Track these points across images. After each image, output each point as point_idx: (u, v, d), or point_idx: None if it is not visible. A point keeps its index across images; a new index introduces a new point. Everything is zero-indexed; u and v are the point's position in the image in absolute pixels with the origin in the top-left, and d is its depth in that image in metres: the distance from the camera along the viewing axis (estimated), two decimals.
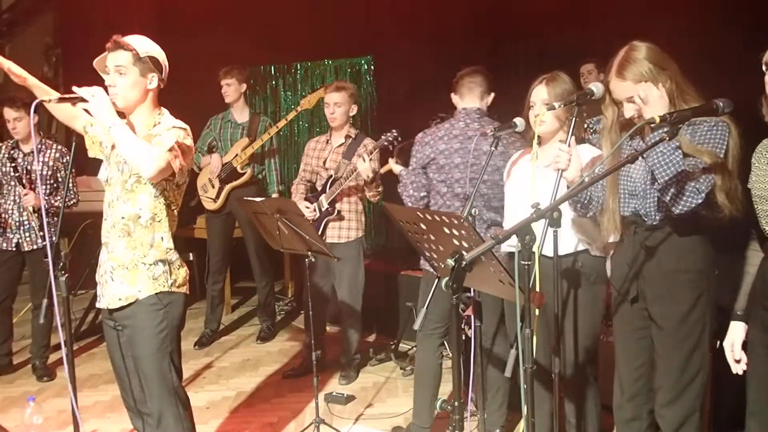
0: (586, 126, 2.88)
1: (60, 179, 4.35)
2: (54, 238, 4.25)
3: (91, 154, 2.79)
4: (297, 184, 4.37)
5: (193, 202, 5.60)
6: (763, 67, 2.09)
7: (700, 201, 2.20)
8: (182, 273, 2.66)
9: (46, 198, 4.27)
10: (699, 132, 2.27)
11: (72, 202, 4.39)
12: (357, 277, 4.26)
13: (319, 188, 4.24)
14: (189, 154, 2.60)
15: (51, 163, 4.32)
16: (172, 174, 2.54)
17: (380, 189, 4.07)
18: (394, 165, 3.78)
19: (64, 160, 4.37)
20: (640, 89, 2.26)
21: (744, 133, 2.30)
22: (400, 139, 3.86)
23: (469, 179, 3.18)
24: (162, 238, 2.60)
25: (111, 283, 2.60)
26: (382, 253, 6.12)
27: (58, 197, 4.32)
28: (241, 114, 5.06)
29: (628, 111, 2.33)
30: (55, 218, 4.33)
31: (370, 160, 3.87)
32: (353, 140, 4.20)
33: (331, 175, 4.16)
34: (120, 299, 2.58)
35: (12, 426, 3.69)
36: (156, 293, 2.57)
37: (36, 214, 4.28)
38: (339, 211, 4.15)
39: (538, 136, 2.82)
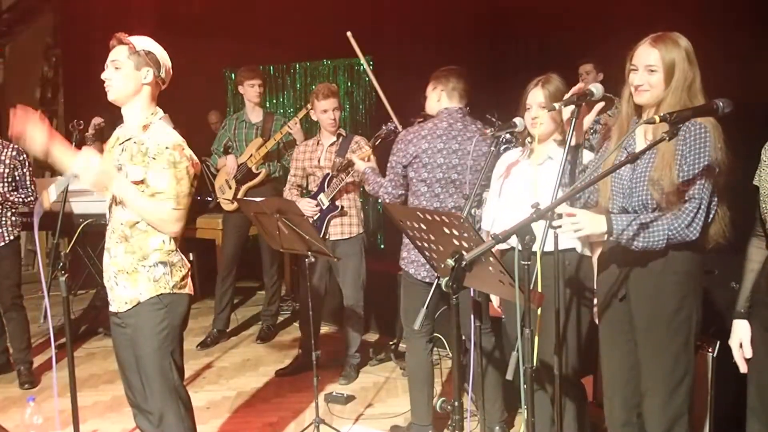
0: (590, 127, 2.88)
1: (17, 177, 4.34)
2: (11, 237, 4.29)
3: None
4: (289, 190, 4.37)
5: (212, 204, 5.63)
6: None
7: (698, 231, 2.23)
8: (183, 273, 2.65)
9: (2, 193, 4.23)
10: (687, 148, 2.24)
11: (29, 200, 4.38)
12: (360, 273, 4.28)
13: (316, 188, 4.25)
14: (193, 167, 2.60)
15: (8, 162, 4.30)
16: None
17: None
18: (357, 161, 3.64)
19: (21, 158, 4.36)
20: (664, 60, 2.25)
21: (747, 133, 2.30)
22: (401, 129, 3.85)
23: (469, 181, 3.18)
24: (164, 240, 2.59)
25: (116, 287, 2.62)
26: (380, 253, 6.12)
27: (15, 193, 4.30)
28: (255, 114, 5.07)
29: (638, 79, 2.30)
30: (13, 211, 4.31)
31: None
32: (344, 138, 4.23)
33: (328, 173, 4.17)
34: (126, 302, 2.60)
35: (12, 426, 3.69)
36: (158, 295, 2.58)
37: None
38: (342, 207, 4.15)
39: (530, 136, 2.83)
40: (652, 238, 2.23)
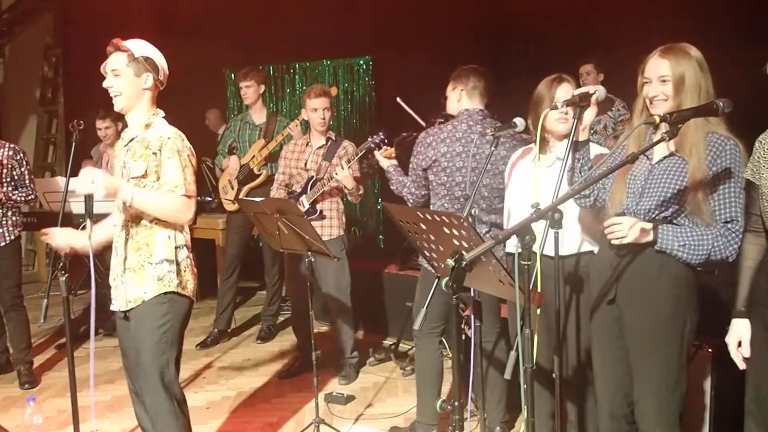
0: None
1: (16, 176, 4.34)
2: (11, 237, 4.30)
3: None
4: (276, 190, 4.36)
5: (214, 204, 5.63)
6: None
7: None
8: (190, 279, 2.69)
9: (3, 192, 4.22)
10: (721, 162, 2.24)
11: (30, 197, 4.38)
12: (343, 275, 4.27)
13: (299, 189, 4.25)
14: (192, 156, 2.67)
15: (5, 162, 4.30)
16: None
17: (361, 192, 4.12)
18: (381, 159, 3.64)
19: (18, 158, 4.36)
20: (674, 70, 2.25)
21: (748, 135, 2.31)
22: (386, 140, 3.86)
23: (470, 181, 3.17)
24: (169, 237, 2.63)
25: (122, 286, 2.65)
26: (379, 253, 6.12)
27: (16, 192, 4.30)
28: (258, 115, 5.08)
29: (653, 90, 2.29)
30: (14, 211, 4.32)
31: (349, 167, 3.94)
32: (333, 142, 4.23)
33: (312, 176, 4.18)
34: (129, 301, 2.63)
35: (12, 426, 3.69)
36: (162, 293, 2.60)
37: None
38: (321, 211, 4.17)
39: (542, 138, 2.82)
40: (695, 252, 2.23)
